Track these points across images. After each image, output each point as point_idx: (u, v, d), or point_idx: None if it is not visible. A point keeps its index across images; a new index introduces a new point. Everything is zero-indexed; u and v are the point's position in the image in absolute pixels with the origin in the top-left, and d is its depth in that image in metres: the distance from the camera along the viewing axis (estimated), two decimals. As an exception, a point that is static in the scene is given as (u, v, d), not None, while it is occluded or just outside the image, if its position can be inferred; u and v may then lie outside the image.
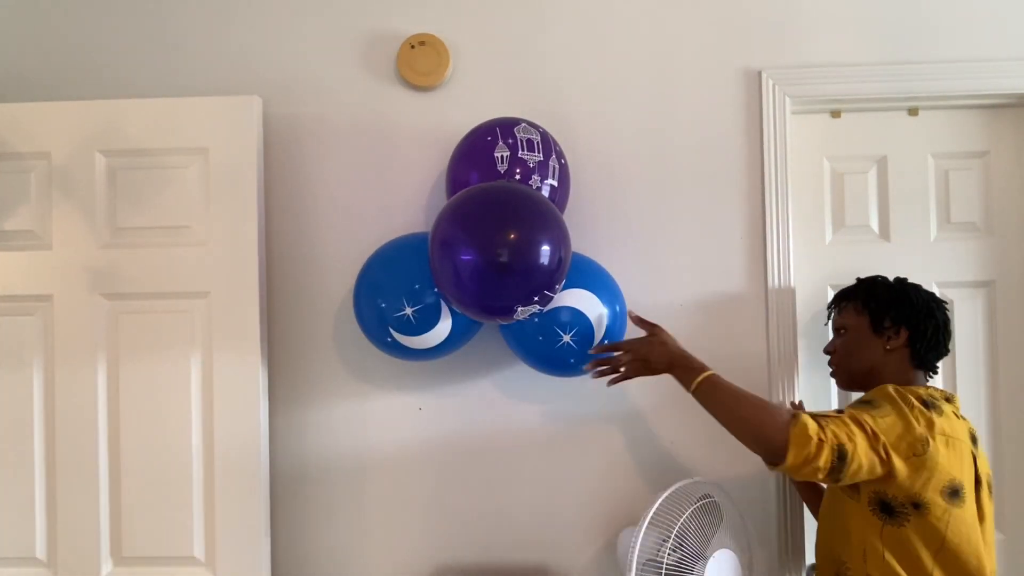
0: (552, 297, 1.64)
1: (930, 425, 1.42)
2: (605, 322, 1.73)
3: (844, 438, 1.38)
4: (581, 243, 1.82)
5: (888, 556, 1.45)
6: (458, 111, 1.95)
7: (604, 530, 1.92)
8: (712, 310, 1.93)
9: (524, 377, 1.92)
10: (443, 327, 1.71)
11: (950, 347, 1.65)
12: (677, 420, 1.93)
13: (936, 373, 1.65)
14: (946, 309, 1.64)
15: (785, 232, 1.94)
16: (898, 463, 1.39)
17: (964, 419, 1.53)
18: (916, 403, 1.45)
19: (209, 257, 1.83)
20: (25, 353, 1.84)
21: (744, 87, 1.97)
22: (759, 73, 1.96)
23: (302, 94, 1.99)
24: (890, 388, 1.50)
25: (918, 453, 1.39)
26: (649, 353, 1.62)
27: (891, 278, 1.70)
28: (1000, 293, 2.03)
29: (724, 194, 1.97)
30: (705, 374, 1.55)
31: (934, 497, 1.40)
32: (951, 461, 1.42)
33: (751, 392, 1.52)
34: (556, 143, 1.80)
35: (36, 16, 2.01)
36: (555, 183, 1.76)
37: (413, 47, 1.94)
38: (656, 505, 1.58)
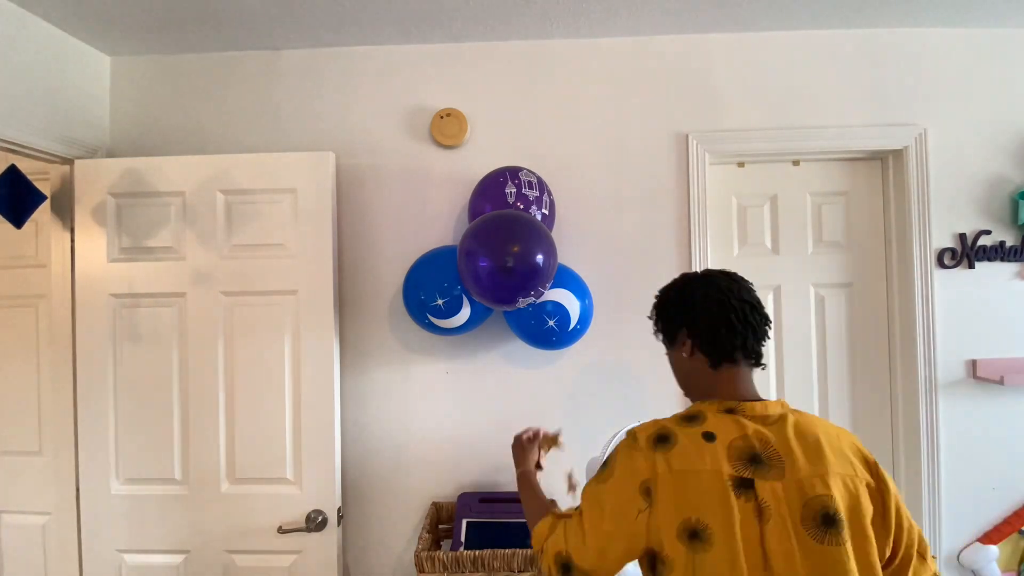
0: (543, 292, 1.70)
1: (652, 468, 0.98)
2: (578, 311, 1.80)
3: (562, 545, 1.06)
4: (562, 255, 1.87)
5: None
6: (475, 162, 1.98)
7: (574, 458, 1.84)
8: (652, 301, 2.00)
9: (520, 349, 1.97)
10: (464, 313, 1.76)
11: (743, 340, 1.08)
12: (630, 376, 1.98)
13: (757, 365, 1.12)
14: (732, 298, 1.10)
15: (704, 247, 1.97)
16: (633, 529, 0.99)
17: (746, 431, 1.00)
18: (644, 444, 1.02)
19: (297, 266, 1.86)
20: (166, 334, 1.88)
21: (675, 146, 1.99)
22: (686, 136, 1.99)
23: (363, 150, 2.01)
24: (625, 437, 1.07)
25: (642, 509, 0.98)
26: (514, 448, 1.52)
27: (681, 276, 1.21)
28: (856, 291, 2.07)
29: (662, 221, 1.99)
30: (520, 471, 1.45)
31: (672, 546, 0.95)
32: (681, 499, 0.96)
33: (540, 498, 1.34)
34: (546, 184, 1.87)
35: (173, 90, 2.06)
36: (546, 212, 1.84)
37: (442, 117, 1.97)
38: (615, 437, 1.59)
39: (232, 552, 1.85)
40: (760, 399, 1.10)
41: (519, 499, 1.80)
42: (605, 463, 1.08)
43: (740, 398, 1.09)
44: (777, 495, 0.95)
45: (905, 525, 1.01)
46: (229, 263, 1.89)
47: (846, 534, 0.93)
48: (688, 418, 1.05)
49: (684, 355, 1.15)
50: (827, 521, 0.94)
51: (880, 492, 1.00)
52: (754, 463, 0.97)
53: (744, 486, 0.96)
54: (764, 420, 1.04)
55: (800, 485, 0.96)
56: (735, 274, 1.18)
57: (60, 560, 1.91)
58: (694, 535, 0.94)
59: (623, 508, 1.00)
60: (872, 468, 1.02)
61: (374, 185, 2.02)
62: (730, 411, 1.05)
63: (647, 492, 0.99)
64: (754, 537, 0.94)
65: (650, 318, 1.25)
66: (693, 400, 1.16)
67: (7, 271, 2.11)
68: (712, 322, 1.11)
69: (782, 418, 1.05)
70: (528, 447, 1.51)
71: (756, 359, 1.13)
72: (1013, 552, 1.96)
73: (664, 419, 1.08)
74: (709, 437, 1.00)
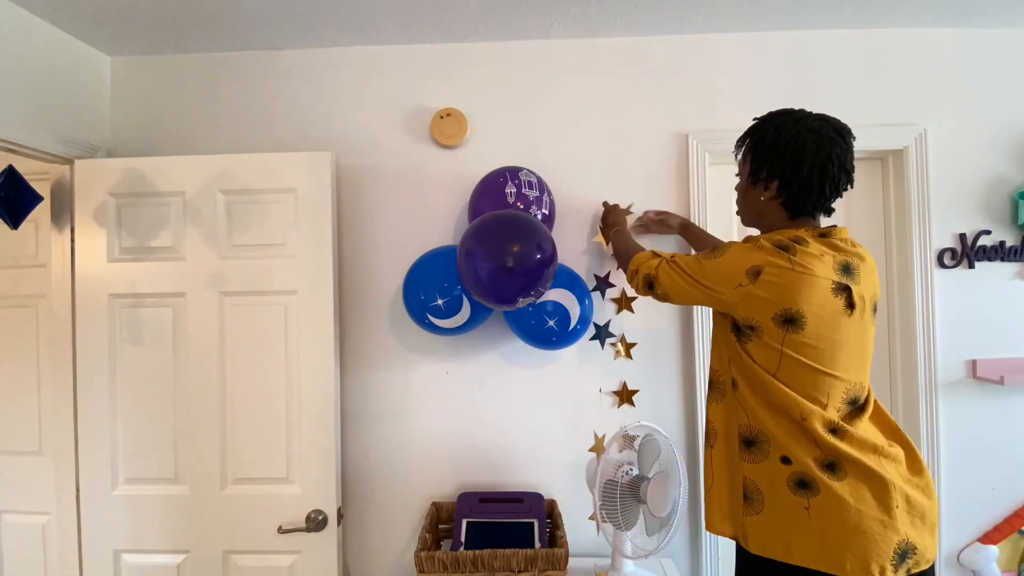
0: (544, 292, 1.70)
1: (767, 261, 1.22)
2: (578, 311, 1.81)
3: (653, 269, 1.41)
4: (562, 255, 1.86)
5: (736, 368, 1.32)
6: (475, 162, 1.98)
7: (575, 459, 1.95)
8: (653, 301, 1.97)
9: (521, 349, 1.97)
10: (464, 313, 1.77)
11: (828, 204, 1.30)
12: (631, 375, 1.98)
13: (829, 214, 1.32)
14: (834, 145, 1.26)
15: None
16: (723, 290, 1.27)
17: (840, 251, 1.25)
18: (767, 245, 1.24)
19: (297, 265, 1.86)
20: (166, 334, 1.87)
21: (675, 146, 1.99)
22: (686, 136, 1.98)
23: (363, 150, 2.01)
24: (741, 241, 1.31)
25: (743, 284, 1.24)
26: (608, 214, 1.88)
27: (793, 117, 1.31)
28: None
29: None
30: (616, 228, 1.77)
31: (766, 322, 1.23)
32: (785, 292, 1.20)
33: (636, 244, 1.63)
34: (546, 184, 1.87)
35: (173, 90, 2.06)
36: (547, 212, 1.84)
37: (442, 117, 1.97)
38: (613, 438, 1.62)
39: (232, 552, 1.85)
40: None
41: (519, 499, 1.82)
42: (715, 249, 1.33)
43: (816, 227, 1.31)
44: (862, 295, 1.25)
45: None
46: (229, 263, 1.88)
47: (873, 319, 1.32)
48: (796, 240, 1.24)
49: (763, 198, 1.34)
50: (873, 311, 1.31)
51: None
52: (846, 272, 1.24)
53: (841, 290, 1.23)
54: (845, 242, 1.28)
55: (868, 288, 1.28)
56: (845, 128, 1.31)
57: (60, 560, 1.91)
58: (789, 320, 1.22)
59: (725, 277, 1.28)
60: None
61: (374, 185, 2.02)
62: (823, 235, 1.27)
63: (756, 274, 1.24)
64: (840, 324, 1.23)
65: (739, 146, 1.40)
66: (747, 224, 1.43)
67: (7, 271, 2.11)
68: (809, 184, 1.28)
69: (851, 241, 1.31)
70: (617, 210, 1.89)
71: (829, 213, 1.35)
72: (1013, 552, 1.96)
73: (772, 235, 1.28)
74: (820, 252, 1.23)
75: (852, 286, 1.24)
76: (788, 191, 1.30)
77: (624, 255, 1.61)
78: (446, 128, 1.98)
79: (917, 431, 1.96)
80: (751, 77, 2.01)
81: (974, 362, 1.96)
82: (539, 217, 1.81)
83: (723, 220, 2.08)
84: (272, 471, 1.86)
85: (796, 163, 1.27)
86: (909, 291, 1.98)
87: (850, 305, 1.24)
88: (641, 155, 2.01)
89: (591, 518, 1.64)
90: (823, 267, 1.22)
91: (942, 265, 1.97)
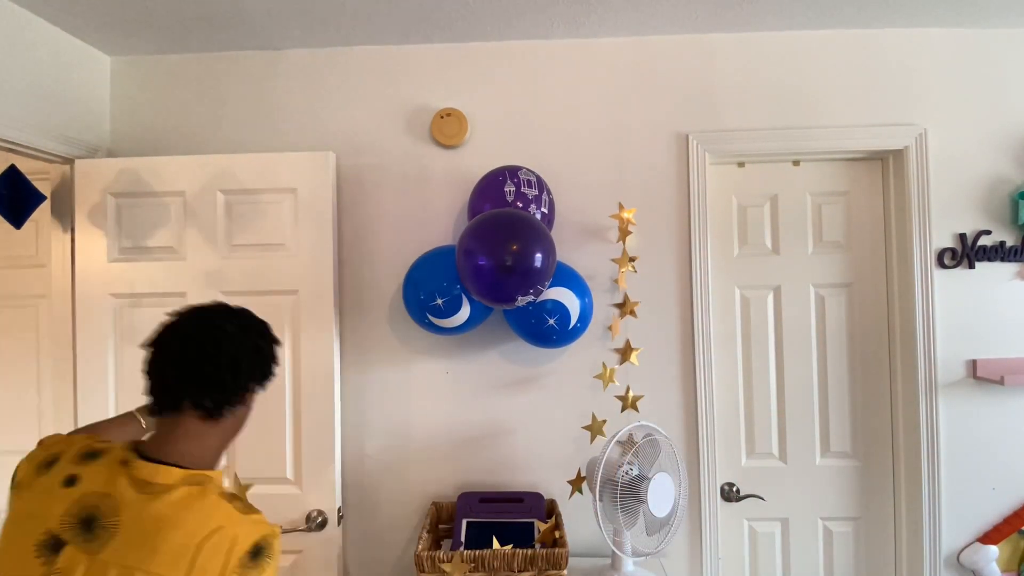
0: (543, 291, 1.70)
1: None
2: (578, 309, 1.79)
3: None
4: (562, 254, 1.87)
5: None
6: (474, 162, 1.98)
7: (575, 458, 1.95)
8: (653, 301, 1.98)
9: (520, 349, 1.97)
10: (464, 312, 1.76)
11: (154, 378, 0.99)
12: (631, 375, 1.96)
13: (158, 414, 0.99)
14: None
15: (704, 247, 1.97)
16: None
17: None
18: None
19: (297, 265, 1.86)
20: None
21: (675, 146, 1.99)
22: (686, 136, 1.98)
23: (364, 150, 2.00)
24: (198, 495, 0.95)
25: None
26: None
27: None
28: (856, 291, 2.07)
29: (662, 221, 1.98)
30: None
31: None
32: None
33: None
34: (546, 183, 1.87)
35: (173, 90, 2.06)
36: (546, 211, 1.84)
37: (442, 117, 1.97)
38: (614, 438, 1.61)
39: (232, 552, 1.84)
40: None
41: (519, 499, 1.82)
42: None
43: None
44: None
45: None
46: (229, 263, 1.88)
47: None
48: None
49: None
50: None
51: None
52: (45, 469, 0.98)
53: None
54: None
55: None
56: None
57: (60, 560, 1.90)
58: None
59: None
60: None
61: (374, 185, 2.01)
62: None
63: None
64: None
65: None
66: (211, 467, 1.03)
67: (7, 271, 2.11)
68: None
69: None
70: None
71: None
72: (1013, 552, 1.96)
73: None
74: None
75: None
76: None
77: None
78: (446, 128, 1.98)
79: (917, 431, 1.95)
80: (751, 77, 2.01)
81: (974, 362, 1.96)
82: (538, 216, 1.81)
83: (723, 221, 2.09)
84: (272, 471, 1.85)
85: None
86: (909, 291, 1.98)
87: None
88: (641, 155, 2.01)
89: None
90: None
91: (942, 265, 1.97)
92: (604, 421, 1.83)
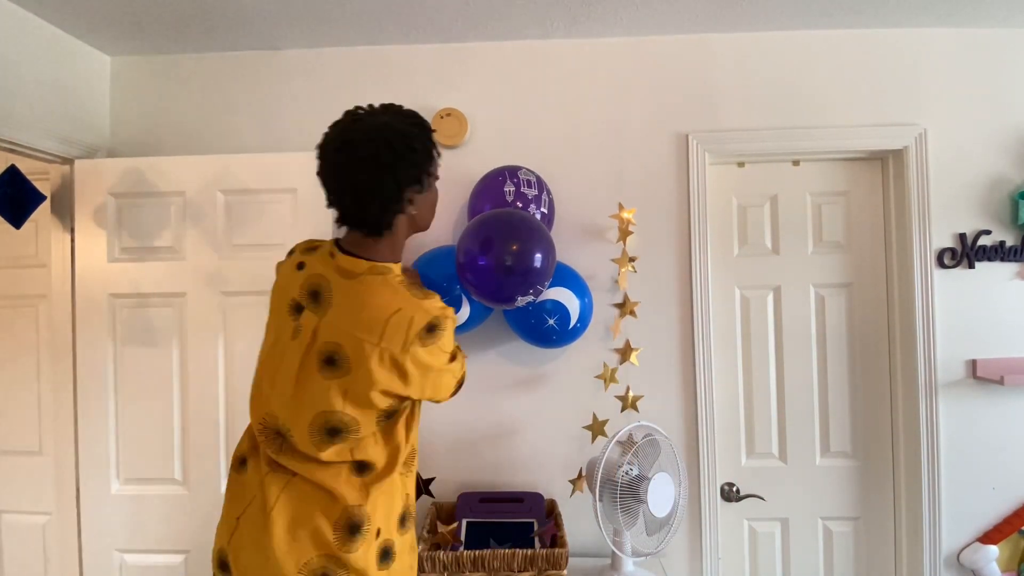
0: (543, 291, 1.70)
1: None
2: (577, 309, 1.80)
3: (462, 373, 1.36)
4: (561, 254, 1.84)
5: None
6: (474, 162, 1.96)
7: (575, 458, 1.94)
8: (653, 301, 1.98)
9: (520, 349, 1.96)
10: (464, 312, 1.76)
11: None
12: (631, 375, 1.94)
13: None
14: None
15: (704, 247, 1.97)
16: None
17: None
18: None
19: None
20: (166, 334, 1.87)
21: (675, 146, 2.00)
22: (686, 136, 1.99)
23: None
24: (446, 320, 1.20)
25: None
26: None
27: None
28: (856, 291, 2.06)
29: (661, 221, 1.98)
30: None
31: None
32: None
33: None
34: (546, 183, 1.87)
35: (173, 90, 2.05)
36: (546, 211, 1.84)
37: (442, 117, 1.97)
38: (614, 438, 1.61)
39: (232, 552, 1.84)
40: None
41: (519, 499, 1.82)
42: (445, 348, 1.20)
43: None
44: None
45: None
46: (229, 263, 1.88)
47: None
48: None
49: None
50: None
51: None
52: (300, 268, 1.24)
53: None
54: None
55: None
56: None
57: (60, 560, 1.90)
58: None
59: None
60: None
61: (374, 185, 2.00)
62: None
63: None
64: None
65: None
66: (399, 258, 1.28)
67: (7, 271, 2.11)
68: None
69: None
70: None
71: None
72: (1013, 552, 1.96)
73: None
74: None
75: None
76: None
77: None
78: (446, 128, 1.98)
79: (917, 431, 1.95)
80: (751, 77, 2.01)
81: (974, 362, 1.96)
82: (538, 216, 1.81)
83: (723, 221, 2.09)
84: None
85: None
86: (909, 291, 1.98)
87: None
88: (641, 155, 2.01)
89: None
90: None
91: (942, 265, 1.97)
92: (606, 421, 1.83)
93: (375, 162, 1.13)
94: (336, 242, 1.24)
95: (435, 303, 1.17)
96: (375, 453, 1.17)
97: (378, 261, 1.19)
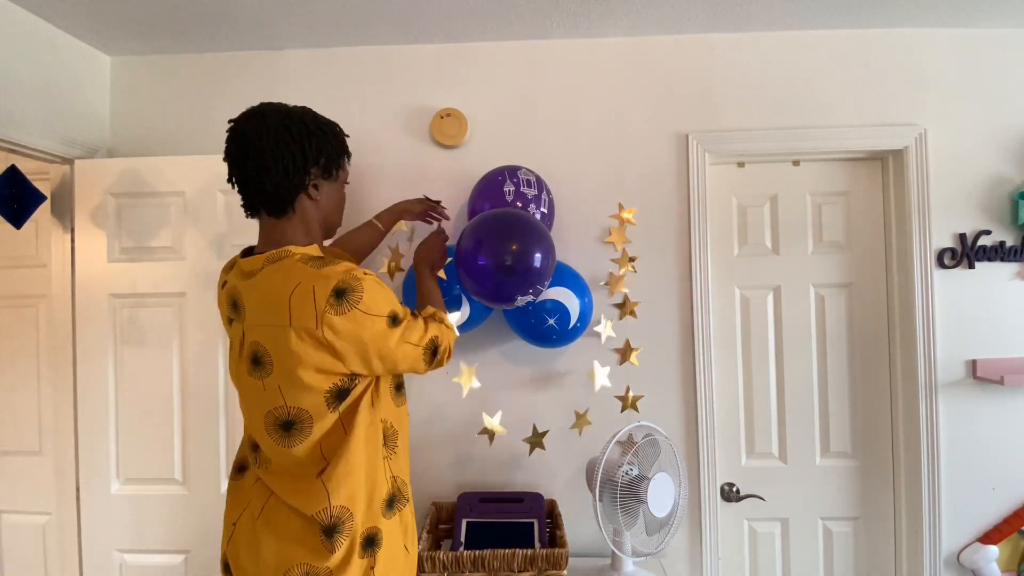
0: (542, 291, 1.69)
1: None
2: (577, 309, 1.79)
3: (451, 342, 1.36)
4: (561, 253, 1.85)
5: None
6: (474, 162, 1.97)
7: (574, 458, 1.95)
8: (653, 301, 1.98)
9: (521, 348, 1.97)
10: (464, 312, 1.76)
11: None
12: (631, 374, 1.93)
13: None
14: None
15: (704, 247, 1.97)
16: None
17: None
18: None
19: None
20: (166, 334, 1.87)
21: (675, 146, 2.00)
22: (686, 136, 1.99)
23: (365, 150, 1.98)
24: (364, 277, 1.17)
25: None
26: (433, 247, 1.60)
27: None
28: (856, 291, 2.07)
29: (661, 221, 1.99)
30: (436, 270, 1.57)
31: None
32: None
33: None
34: (546, 183, 1.87)
35: (173, 90, 2.05)
36: (546, 211, 1.83)
37: (442, 117, 1.97)
38: (615, 438, 1.61)
39: (232, 552, 1.84)
40: None
41: (519, 499, 1.82)
42: (370, 311, 1.13)
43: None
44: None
45: None
46: (229, 263, 1.88)
47: None
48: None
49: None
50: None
51: None
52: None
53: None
54: None
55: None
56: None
57: (60, 560, 1.90)
58: None
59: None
60: None
61: (374, 185, 2.01)
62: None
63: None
64: None
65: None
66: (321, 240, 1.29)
67: (7, 271, 2.11)
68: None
69: None
70: (441, 243, 1.64)
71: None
72: (1013, 552, 1.96)
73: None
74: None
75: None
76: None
77: (435, 304, 1.43)
78: (446, 128, 1.98)
79: (917, 431, 1.95)
80: (751, 77, 2.01)
81: (974, 362, 1.96)
82: (538, 216, 1.80)
83: (723, 221, 2.09)
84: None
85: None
86: (909, 291, 1.98)
87: None
88: (641, 155, 2.01)
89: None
90: None
91: (942, 265, 1.97)
92: (587, 411, 1.82)
93: (284, 131, 1.14)
94: (243, 252, 1.25)
95: (337, 268, 1.11)
96: (345, 443, 1.15)
97: (293, 246, 1.17)
